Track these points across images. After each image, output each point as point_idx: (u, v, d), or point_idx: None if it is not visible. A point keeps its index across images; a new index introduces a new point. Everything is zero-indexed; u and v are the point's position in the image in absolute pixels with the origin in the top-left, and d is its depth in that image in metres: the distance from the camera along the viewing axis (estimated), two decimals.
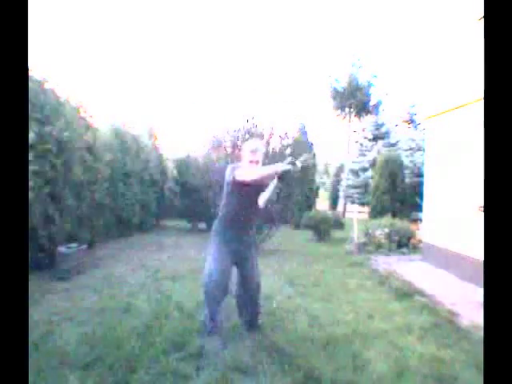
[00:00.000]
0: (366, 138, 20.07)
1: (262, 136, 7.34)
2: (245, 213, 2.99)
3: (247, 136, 7.32)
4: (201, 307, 3.53)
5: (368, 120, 20.61)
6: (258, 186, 2.97)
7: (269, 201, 3.15)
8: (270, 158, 7.27)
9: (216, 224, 3.09)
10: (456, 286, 5.07)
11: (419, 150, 16.40)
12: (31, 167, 4.37)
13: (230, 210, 2.99)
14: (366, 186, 18.05)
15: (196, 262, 5.91)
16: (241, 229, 3.04)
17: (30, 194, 4.33)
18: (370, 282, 5.12)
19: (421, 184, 8.60)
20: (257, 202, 3.06)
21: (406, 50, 46.76)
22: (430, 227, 6.87)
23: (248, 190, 2.91)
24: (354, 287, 4.79)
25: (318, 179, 20.06)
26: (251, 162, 2.95)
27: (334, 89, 20.31)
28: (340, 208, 20.93)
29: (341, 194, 21.54)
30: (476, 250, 4.89)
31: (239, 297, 3.21)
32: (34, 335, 2.79)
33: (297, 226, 11.88)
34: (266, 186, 3.06)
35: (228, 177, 2.89)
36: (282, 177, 2.63)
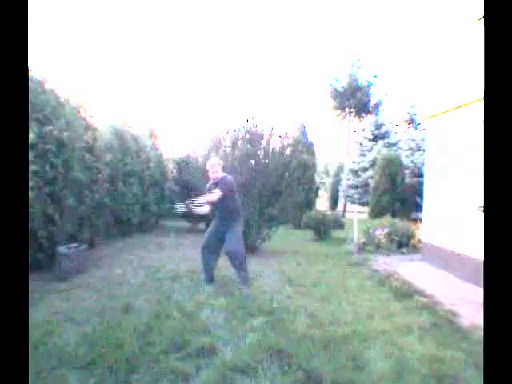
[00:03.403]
0: (366, 138, 20.06)
1: (261, 136, 7.31)
2: (221, 207, 4.55)
3: (247, 136, 7.29)
4: (200, 307, 3.69)
5: (368, 120, 20.60)
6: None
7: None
8: (271, 157, 7.27)
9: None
10: (456, 286, 5.07)
11: (419, 150, 16.40)
12: (31, 167, 4.37)
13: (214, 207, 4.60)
14: (365, 185, 18.06)
15: (196, 261, 5.90)
16: (222, 215, 4.65)
17: (30, 194, 4.33)
18: (369, 282, 5.12)
19: (421, 184, 8.60)
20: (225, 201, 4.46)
21: (407, 50, 46.78)
22: (429, 227, 6.87)
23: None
24: (353, 287, 4.79)
25: (318, 179, 20.05)
26: (213, 172, 4.49)
27: (334, 89, 20.30)
28: (340, 208, 20.93)
29: (341, 194, 21.55)
30: (476, 249, 4.89)
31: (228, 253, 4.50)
32: (34, 335, 2.78)
33: (297, 226, 11.87)
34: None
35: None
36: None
